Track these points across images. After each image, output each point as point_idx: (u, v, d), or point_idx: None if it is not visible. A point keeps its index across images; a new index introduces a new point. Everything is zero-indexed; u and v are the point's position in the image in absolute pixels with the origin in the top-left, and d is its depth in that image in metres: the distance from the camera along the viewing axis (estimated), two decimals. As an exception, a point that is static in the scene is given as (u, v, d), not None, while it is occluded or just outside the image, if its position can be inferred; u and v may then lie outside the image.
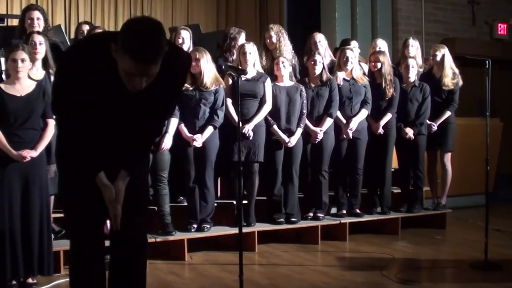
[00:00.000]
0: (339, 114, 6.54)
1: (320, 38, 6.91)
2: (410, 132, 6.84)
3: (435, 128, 7.03)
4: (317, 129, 6.35)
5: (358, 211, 6.72)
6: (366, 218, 6.75)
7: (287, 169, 6.30)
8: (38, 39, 5.19)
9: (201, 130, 5.80)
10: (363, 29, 10.42)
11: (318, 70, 6.42)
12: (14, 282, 4.66)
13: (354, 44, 7.41)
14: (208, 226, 5.90)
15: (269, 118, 6.20)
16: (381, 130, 6.74)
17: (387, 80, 6.74)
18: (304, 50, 7.01)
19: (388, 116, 6.77)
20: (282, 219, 6.29)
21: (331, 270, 5.39)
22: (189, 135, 5.78)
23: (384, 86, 6.73)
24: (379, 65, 6.76)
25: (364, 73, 6.88)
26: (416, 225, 7.08)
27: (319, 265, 5.65)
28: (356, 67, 6.68)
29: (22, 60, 4.62)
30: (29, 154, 4.56)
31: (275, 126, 6.19)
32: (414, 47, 7.38)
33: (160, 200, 5.76)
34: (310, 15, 10.73)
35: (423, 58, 7.48)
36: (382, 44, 7.40)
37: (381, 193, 6.91)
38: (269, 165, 6.24)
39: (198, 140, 5.76)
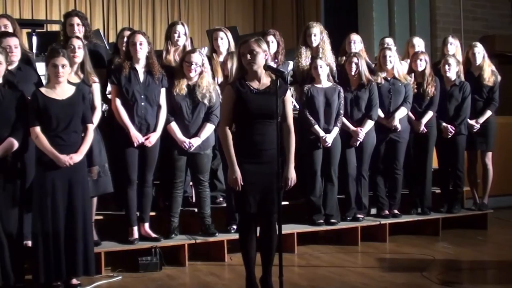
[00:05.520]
0: (380, 112, 6.51)
1: (354, 39, 6.86)
2: (449, 128, 6.76)
3: (477, 127, 6.95)
4: (358, 128, 6.32)
5: (396, 211, 6.68)
6: (406, 219, 6.71)
7: (326, 170, 6.29)
8: (77, 43, 5.25)
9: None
10: (401, 28, 10.34)
11: (353, 71, 6.38)
12: (59, 283, 4.73)
13: (388, 41, 7.33)
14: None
15: (310, 118, 6.19)
16: (423, 129, 6.69)
17: (428, 79, 6.70)
18: (339, 50, 6.95)
19: (429, 114, 6.72)
20: (321, 220, 6.28)
21: (371, 271, 5.38)
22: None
23: (426, 85, 6.69)
24: (423, 64, 6.71)
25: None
26: (457, 225, 6.99)
27: (359, 267, 5.64)
28: (397, 66, 6.62)
29: (63, 66, 4.70)
30: (73, 158, 4.64)
31: (316, 126, 6.18)
32: (454, 45, 7.28)
33: (201, 202, 5.80)
34: (348, 15, 10.68)
35: (463, 56, 7.39)
36: (419, 43, 7.32)
37: (422, 193, 6.83)
38: (308, 166, 6.23)
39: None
